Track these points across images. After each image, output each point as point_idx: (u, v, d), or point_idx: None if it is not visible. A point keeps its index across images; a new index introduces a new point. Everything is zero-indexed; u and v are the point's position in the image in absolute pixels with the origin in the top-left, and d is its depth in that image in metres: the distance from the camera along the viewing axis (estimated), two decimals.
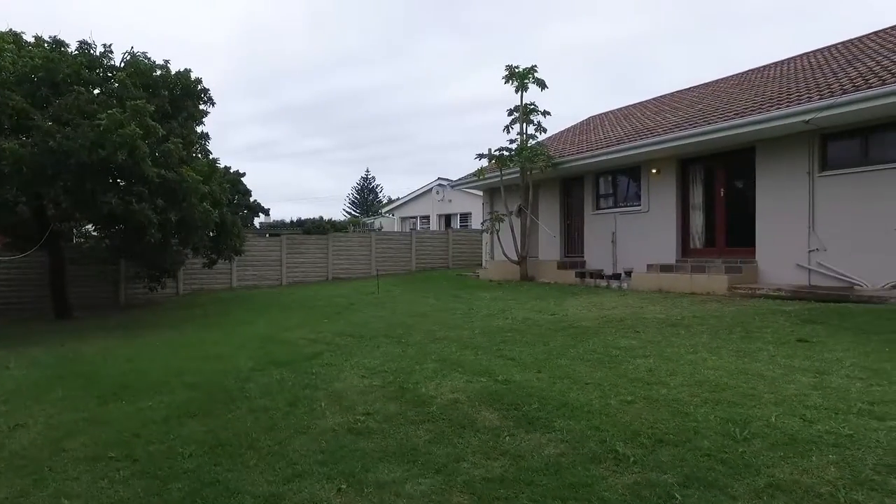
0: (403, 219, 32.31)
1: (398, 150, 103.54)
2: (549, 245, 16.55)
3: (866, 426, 3.67)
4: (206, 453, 3.90)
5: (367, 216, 44.88)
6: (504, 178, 15.38)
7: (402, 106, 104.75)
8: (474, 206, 28.26)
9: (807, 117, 9.29)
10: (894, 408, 4.00)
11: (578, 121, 20.40)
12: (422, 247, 21.66)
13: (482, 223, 18.03)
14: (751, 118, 10.18)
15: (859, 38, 13.24)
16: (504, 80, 15.17)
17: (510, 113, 15.32)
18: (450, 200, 29.46)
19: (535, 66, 14.66)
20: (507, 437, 3.89)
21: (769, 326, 7.04)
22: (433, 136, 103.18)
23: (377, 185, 62.58)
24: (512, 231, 15.40)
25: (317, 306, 12.06)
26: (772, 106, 10.26)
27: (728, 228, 11.92)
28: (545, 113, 15.17)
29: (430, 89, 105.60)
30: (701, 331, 7.05)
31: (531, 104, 15.11)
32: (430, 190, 29.85)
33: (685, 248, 12.75)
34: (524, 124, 15.16)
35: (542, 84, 14.80)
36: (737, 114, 10.76)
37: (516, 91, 15.09)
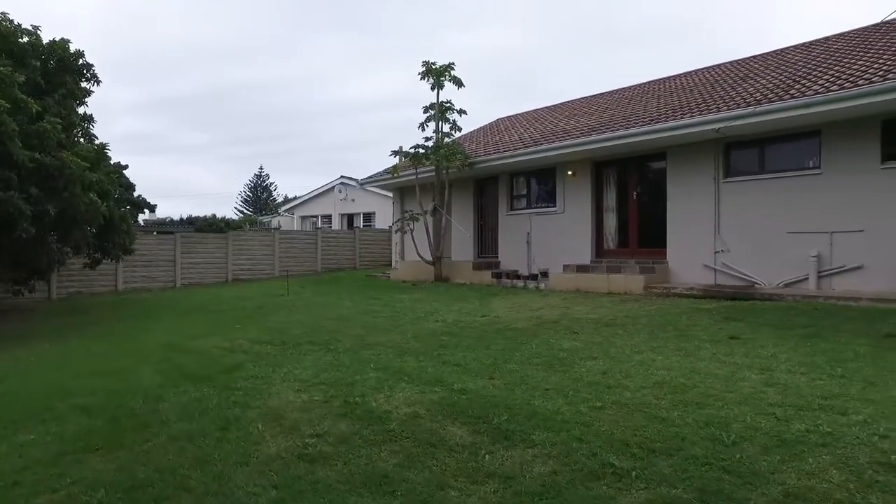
0: (304, 218, 30.87)
1: (293, 147, 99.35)
2: (462, 245, 16.42)
3: (836, 422, 3.71)
4: (121, 500, 3.11)
5: (262, 215, 42.50)
6: (419, 176, 15.01)
7: (296, 103, 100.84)
8: (379, 206, 27.64)
9: (717, 126, 9.83)
10: (847, 401, 4.12)
11: (477, 124, 20.58)
12: (328, 247, 20.69)
13: (394, 223, 17.52)
14: (666, 124, 10.63)
15: (744, 60, 14.43)
16: (420, 77, 14.82)
17: (426, 110, 15.00)
18: (353, 200, 28.57)
19: (453, 63, 14.45)
20: (487, 456, 3.49)
21: (697, 325, 7.26)
22: (329, 136, 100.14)
23: (271, 184, 59.63)
24: (427, 231, 15.06)
25: (223, 310, 10.90)
26: (684, 114, 10.79)
27: (640, 230, 12.42)
28: (461, 112, 15.02)
29: (326, 87, 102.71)
30: (636, 330, 7.12)
31: (447, 102, 14.89)
32: (333, 188, 28.76)
33: (599, 249, 13.12)
34: (440, 122, 14.90)
35: (458, 82, 14.62)
36: (652, 119, 11.21)
37: (432, 88, 14.79)
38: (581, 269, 12.34)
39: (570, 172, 13.44)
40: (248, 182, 59.14)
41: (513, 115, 20.35)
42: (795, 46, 13.45)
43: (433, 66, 14.53)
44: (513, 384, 4.96)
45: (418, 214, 14.86)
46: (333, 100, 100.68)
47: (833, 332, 6.42)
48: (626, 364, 5.50)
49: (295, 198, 34.21)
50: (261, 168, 60.85)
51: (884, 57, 9.47)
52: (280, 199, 51.70)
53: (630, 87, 16.75)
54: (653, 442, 3.53)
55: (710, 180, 10.82)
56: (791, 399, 4.23)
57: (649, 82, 16.44)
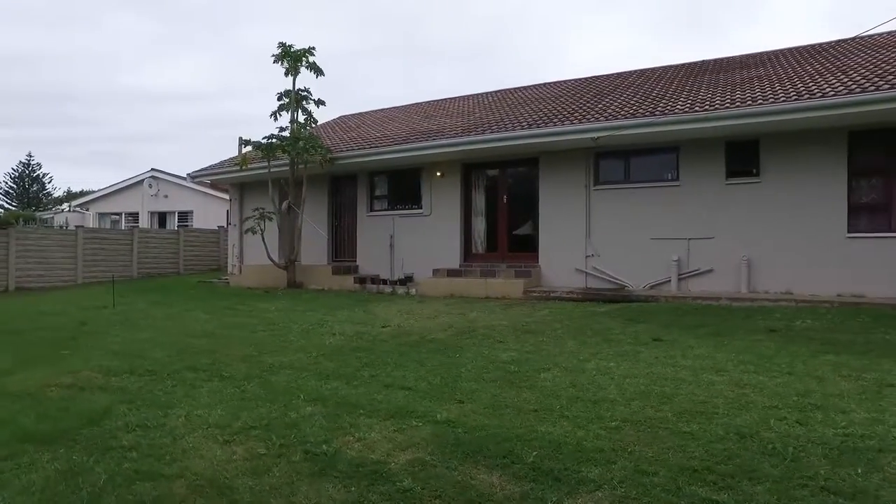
0: (102, 215, 25.86)
1: (74, 136, 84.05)
2: (313, 248, 14.98)
3: (850, 421, 3.72)
4: None
5: (37, 209, 34.85)
6: (272, 170, 13.31)
7: (76, 84, 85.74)
8: (198, 204, 24.44)
9: (596, 135, 10.23)
10: (829, 399, 4.20)
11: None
12: (146, 248, 17.39)
13: (240, 222, 15.41)
14: (547, 129, 10.79)
15: (596, 77, 15.58)
16: (274, 60, 13.22)
17: (280, 97, 13.43)
18: (166, 196, 24.83)
19: (313, 48, 13.11)
20: None
21: (611, 328, 7.27)
22: (119, 126, 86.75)
23: (45, 175, 49.37)
24: (280, 231, 13.45)
25: (27, 330, 8.13)
26: (560, 121, 11.07)
27: (511, 234, 12.50)
28: (319, 102, 13.73)
29: (116, 71, 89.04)
30: (558, 336, 6.87)
31: (304, 90, 13.49)
32: (142, 182, 24.61)
33: (468, 254, 12.92)
34: (296, 112, 13.43)
35: (317, 70, 13.31)
36: (530, 125, 11.31)
37: (286, 74, 13.28)
38: (452, 273, 12.00)
39: (438, 174, 13.05)
40: (12, 171, 48.19)
41: (360, 113, 19.43)
42: (643, 70, 14.82)
43: (290, 49, 13.03)
44: (491, 408, 4.24)
45: (270, 213, 13.16)
46: (125, 87, 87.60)
47: (732, 330, 6.87)
48: (584, 375, 5.13)
49: (84, 192, 28.62)
50: (29, 156, 49.75)
51: (728, 89, 10.80)
52: (60, 194, 43.07)
53: (482, 94, 16.99)
54: (716, 464, 3.12)
55: (582, 187, 11.28)
56: (778, 400, 4.21)
57: (500, 90, 16.85)
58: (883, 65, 9.47)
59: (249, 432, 3.78)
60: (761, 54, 13.43)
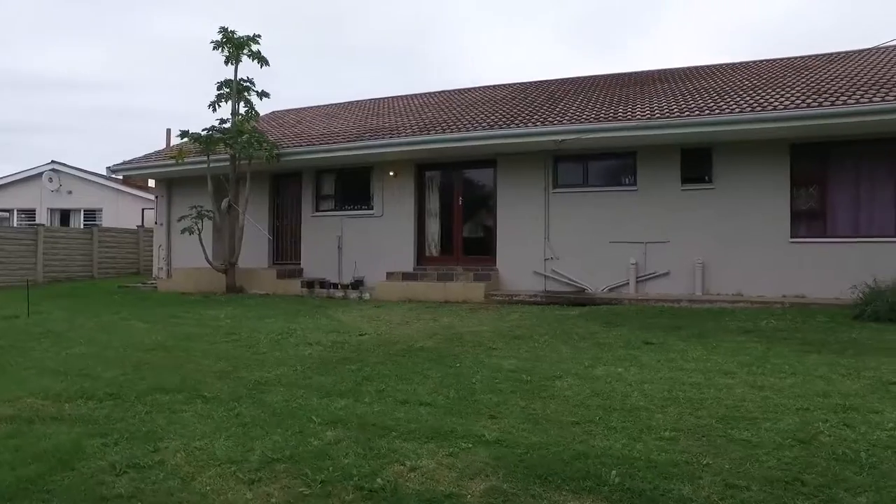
0: None
1: None
2: (254, 250, 13.94)
3: (889, 420, 3.77)
4: None
5: None
6: (211, 165, 12.24)
7: None
8: (108, 202, 22.28)
9: (560, 137, 10.23)
10: (852, 399, 4.27)
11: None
12: (53, 249, 15.41)
13: (168, 221, 14.11)
14: (508, 130, 10.69)
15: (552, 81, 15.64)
16: (213, 47, 12.18)
17: (219, 87, 12.40)
18: (70, 192, 22.37)
19: (258, 35, 12.20)
20: None
21: (595, 332, 7.18)
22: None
23: None
24: (219, 232, 12.41)
25: None
26: (520, 123, 10.98)
27: (467, 237, 12.27)
28: (262, 94, 12.80)
29: None
30: (548, 342, 6.69)
31: (247, 80, 12.54)
32: (40, 176, 22.00)
33: (421, 256, 12.55)
34: (237, 103, 12.46)
35: (262, 60, 12.39)
36: (490, 125, 11.12)
37: (227, 62, 12.28)
38: (408, 276, 11.59)
39: (391, 173, 12.58)
40: None
41: (297, 109, 18.47)
42: (606, 76, 14.96)
43: (232, 36, 12.05)
44: (529, 422, 3.95)
45: (209, 212, 12.10)
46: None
47: (711, 332, 7.01)
48: (599, 382, 4.96)
49: None
50: None
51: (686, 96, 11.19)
52: None
53: (428, 94, 16.65)
54: (801, 475, 3.00)
55: (541, 190, 11.27)
56: (804, 402, 4.22)
57: (439, 91, 16.55)
58: (815, 85, 10.14)
59: (274, 467, 3.23)
60: (690, 68, 14.00)
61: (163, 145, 19.26)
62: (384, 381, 5.06)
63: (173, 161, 12.57)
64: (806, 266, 9.63)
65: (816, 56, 12.92)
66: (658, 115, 9.96)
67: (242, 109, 12.57)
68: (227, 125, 12.07)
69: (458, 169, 12.31)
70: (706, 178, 10.31)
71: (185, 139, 11.92)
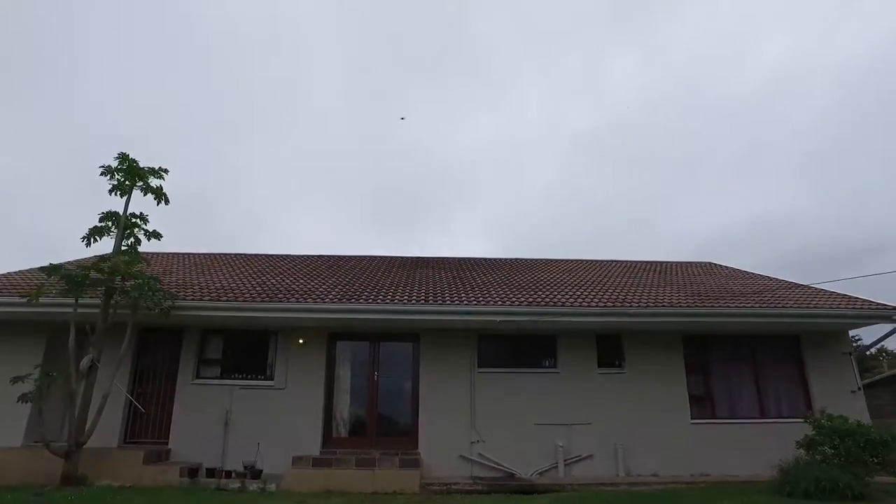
0: None
1: None
2: (101, 423, 11.05)
3: None
4: None
5: None
6: (79, 311, 9.93)
7: None
8: None
9: (498, 318, 10.54)
10: None
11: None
12: None
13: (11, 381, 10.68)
14: (428, 307, 10.56)
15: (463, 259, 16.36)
16: (102, 172, 10.54)
17: (102, 218, 10.49)
18: None
19: (165, 168, 10.87)
20: None
21: None
22: None
23: None
24: (70, 399, 9.70)
25: None
26: (449, 299, 11.11)
27: (382, 416, 11.30)
28: (154, 235, 11.01)
29: None
30: None
31: (138, 215, 10.83)
32: None
33: (327, 437, 11.08)
34: (122, 240, 10.62)
35: (163, 197, 10.87)
36: (426, 300, 11.01)
37: (111, 191, 10.53)
38: (322, 463, 9.99)
39: (300, 341, 11.48)
40: None
41: (164, 253, 16.44)
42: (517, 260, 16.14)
43: (134, 165, 10.62)
44: None
45: (53, 374, 9.46)
46: None
47: None
48: None
49: None
50: None
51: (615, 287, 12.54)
52: None
53: (321, 257, 16.26)
54: None
55: (467, 370, 11.16)
56: None
57: (340, 256, 16.41)
58: (717, 289, 12.34)
59: None
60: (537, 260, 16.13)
61: None
62: None
63: (20, 299, 9.98)
64: (705, 445, 10.74)
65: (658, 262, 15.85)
66: (583, 303, 10.91)
67: (123, 247, 10.66)
68: (108, 264, 10.06)
69: (377, 341, 11.71)
70: (617, 362, 11.30)
71: (52, 275, 9.62)
